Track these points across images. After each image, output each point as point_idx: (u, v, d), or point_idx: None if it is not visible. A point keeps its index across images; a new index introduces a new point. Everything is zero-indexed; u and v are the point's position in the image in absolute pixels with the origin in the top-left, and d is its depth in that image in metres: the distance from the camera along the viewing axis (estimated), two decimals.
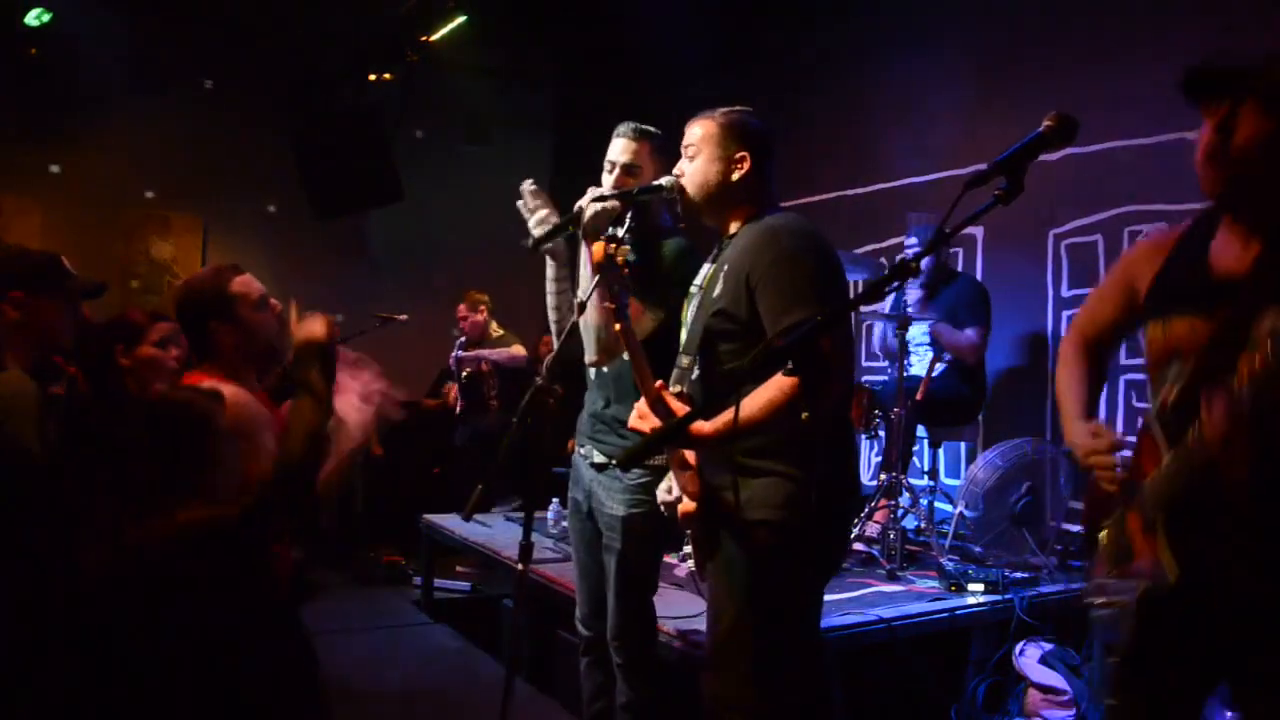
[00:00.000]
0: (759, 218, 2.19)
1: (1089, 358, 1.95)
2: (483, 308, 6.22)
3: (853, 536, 4.22)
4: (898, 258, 4.69)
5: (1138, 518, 1.71)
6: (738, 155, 2.21)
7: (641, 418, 2.05)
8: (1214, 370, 1.54)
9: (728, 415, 1.88)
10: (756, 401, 1.93)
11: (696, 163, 2.23)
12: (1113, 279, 1.94)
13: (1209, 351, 1.60)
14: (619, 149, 2.60)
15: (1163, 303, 1.75)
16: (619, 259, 2.11)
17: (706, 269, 2.32)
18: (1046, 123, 1.48)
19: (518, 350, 6.28)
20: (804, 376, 1.36)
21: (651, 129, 2.65)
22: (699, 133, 2.25)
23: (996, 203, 1.43)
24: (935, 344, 4.55)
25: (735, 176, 2.21)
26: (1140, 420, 1.85)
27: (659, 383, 2.03)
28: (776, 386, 1.94)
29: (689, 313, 2.34)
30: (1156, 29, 4.45)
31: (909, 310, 4.38)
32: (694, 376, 2.20)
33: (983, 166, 1.49)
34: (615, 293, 2.08)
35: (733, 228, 2.25)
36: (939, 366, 4.54)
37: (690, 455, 2.20)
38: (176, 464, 1.88)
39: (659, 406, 2.00)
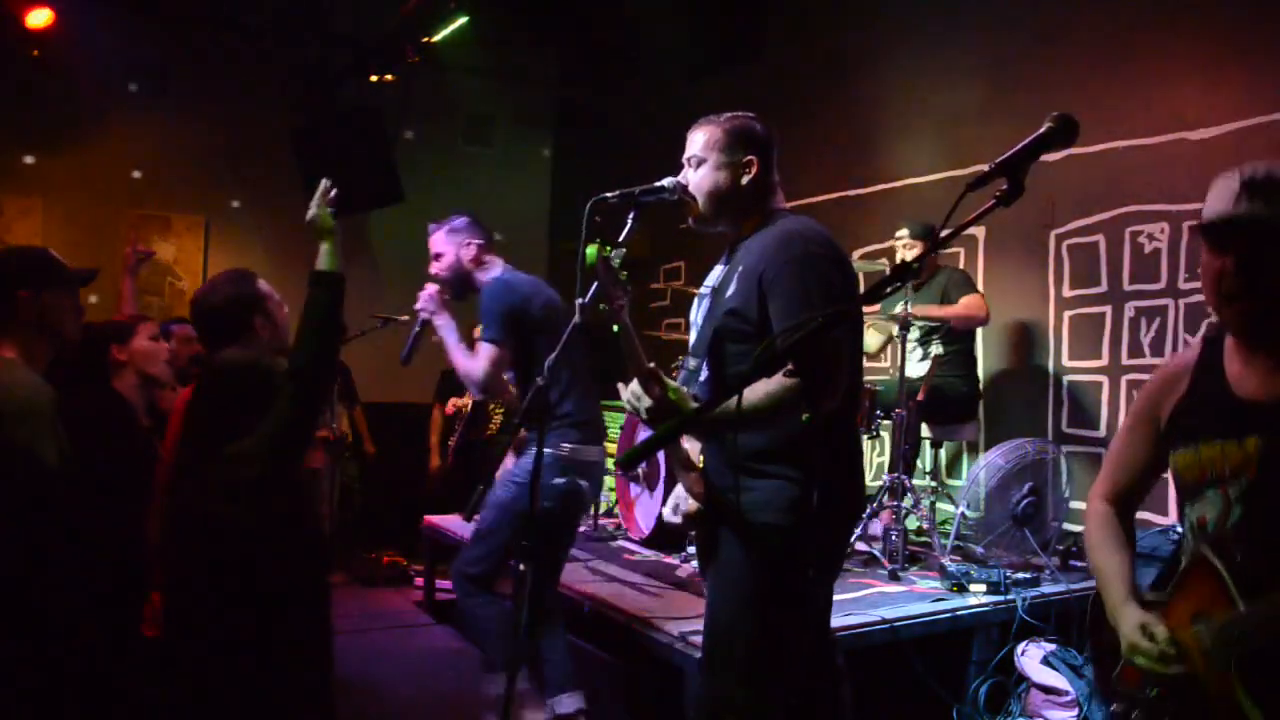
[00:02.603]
0: (770, 220, 2.22)
1: (1120, 526, 1.89)
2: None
3: (854, 538, 4.22)
4: (898, 257, 4.68)
5: (1201, 653, 1.60)
6: (745, 160, 2.24)
7: (636, 398, 2.06)
8: (1271, 497, 1.56)
9: (730, 402, 1.84)
10: (757, 390, 1.95)
11: (703, 170, 2.25)
12: (1132, 421, 1.88)
13: (1264, 478, 1.58)
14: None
15: (1192, 428, 1.72)
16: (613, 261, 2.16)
17: (718, 270, 2.34)
18: (1047, 124, 1.47)
19: None
20: (805, 378, 1.35)
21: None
22: (703, 139, 2.26)
23: (998, 204, 1.42)
24: (936, 331, 4.55)
25: (744, 181, 2.24)
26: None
27: (651, 365, 2.06)
28: (778, 379, 1.96)
29: (698, 314, 2.36)
30: (1157, 30, 4.45)
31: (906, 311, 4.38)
32: (702, 378, 2.22)
33: (982, 167, 1.48)
34: (612, 294, 2.13)
35: (744, 231, 2.26)
36: (931, 360, 4.56)
37: (695, 456, 2.22)
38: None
39: (650, 384, 2.01)
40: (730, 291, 2.16)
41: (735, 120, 2.28)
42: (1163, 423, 1.78)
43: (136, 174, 7.33)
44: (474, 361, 3.30)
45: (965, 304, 4.49)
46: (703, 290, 2.37)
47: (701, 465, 2.23)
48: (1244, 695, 1.51)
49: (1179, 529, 3.07)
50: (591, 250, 2.17)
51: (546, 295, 3.56)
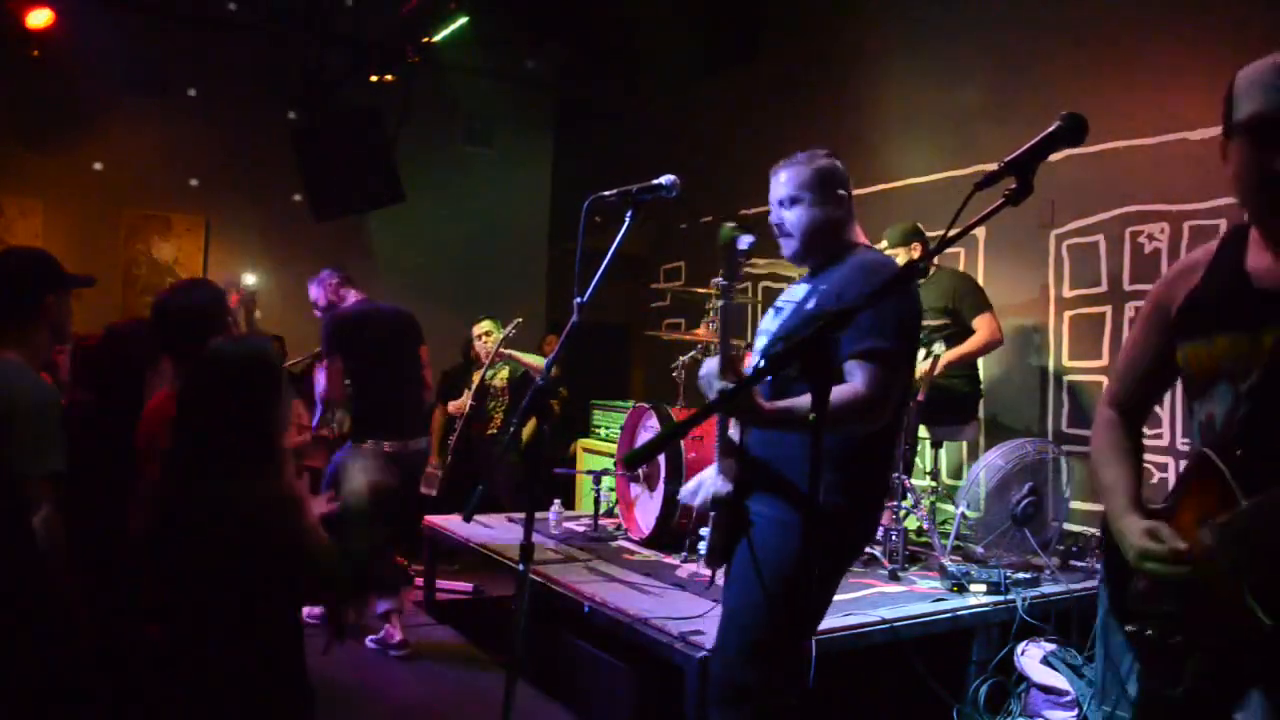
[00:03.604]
0: (852, 251, 2.41)
1: (1128, 436, 1.81)
2: (484, 336, 6.08)
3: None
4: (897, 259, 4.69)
5: (1207, 559, 1.55)
6: (836, 196, 2.41)
7: (711, 378, 2.19)
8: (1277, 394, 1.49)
9: (789, 400, 2.10)
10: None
11: (799, 209, 2.40)
12: (1143, 319, 1.79)
13: (1276, 373, 1.51)
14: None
15: (1203, 321, 1.63)
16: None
17: (801, 288, 2.45)
18: (1057, 122, 1.47)
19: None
20: (811, 381, 1.36)
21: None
22: (796, 179, 2.40)
23: (1006, 203, 1.42)
24: (938, 332, 4.55)
25: (836, 216, 2.42)
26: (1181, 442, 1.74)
27: (735, 352, 2.19)
28: (846, 388, 2.14)
29: (773, 323, 2.45)
30: (1157, 30, 4.45)
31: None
32: (767, 379, 2.29)
33: (983, 167, 1.48)
34: (733, 273, 2.30)
35: (829, 259, 2.42)
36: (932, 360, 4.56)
37: (733, 449, 2.31)
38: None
39: (730, 370, 2.15)
40: (810, 308, 2.32)
41: (821, 160, 2.43)
42: (1173, 315, 1.69)
43: (137, 174, 7.33)
44: None
45: (981, 330, 4.46)
46: (781, 303, 2.48)
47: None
48: (1249, 595, 1.46)
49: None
50: (726, 229, 2.28)
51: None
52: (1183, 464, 4.39)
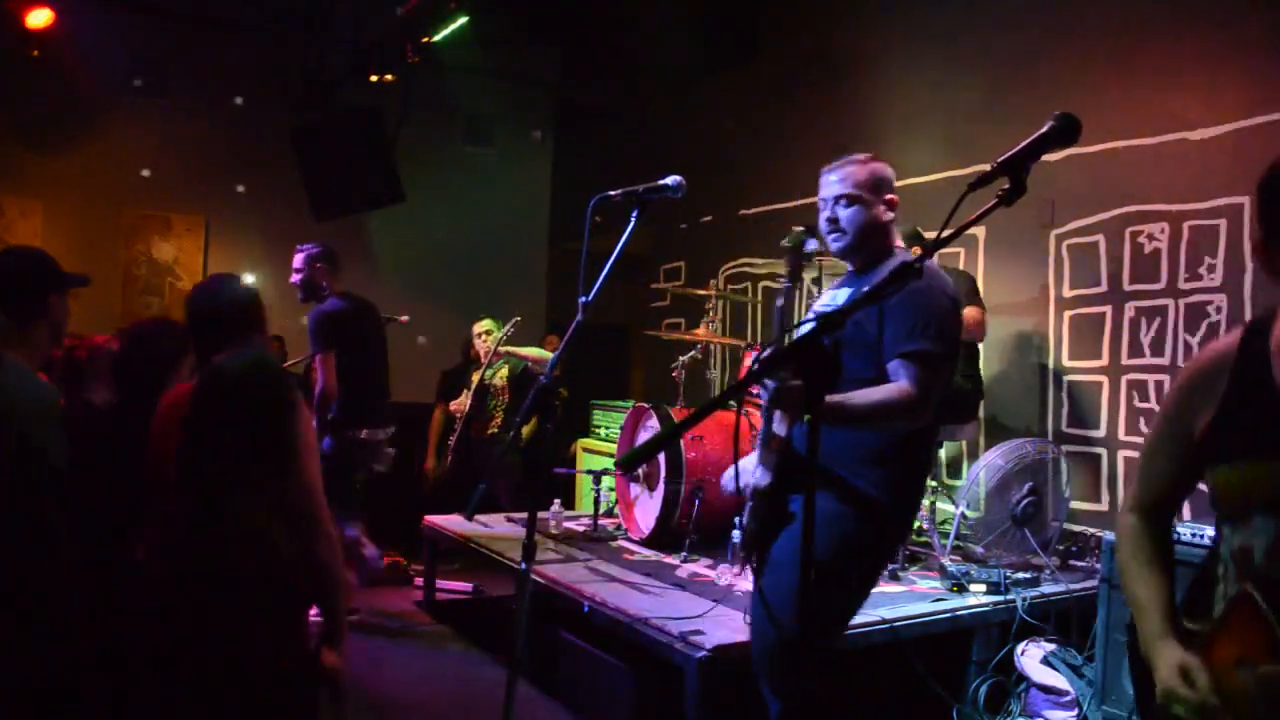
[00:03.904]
0: (893, 253, 2.50)
1: (1155, 542, 1.67)
2: (485, 335, 6.08)
3: None
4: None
5: (1241, 704, 1.45)
6: (888, 197, 2.50)
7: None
8: None
9: (841, 395, 2.19)
10: (871, 394, 2.23)
11: (856, 208, 2.46)
12: (1162, 424, 1.67)
13: None
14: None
15: (1234, 446, 1.50)
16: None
17: (841, 292, 2.52)
18: (1050, 122, 1.47)
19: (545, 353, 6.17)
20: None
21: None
22: (850, 179, 2.47)
23: (1000, 203, 1.42)
24: None
25: (888, 217, 2.50)
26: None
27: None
28: (894, 387, 2.23)
29: None
30: (1158, 31, 4.45)
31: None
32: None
33: (983, 167, 1.48)
34: (795, 275, 2.41)
35: (871, 260, 2.50)
36: None
37: (777, 442, 2.36)
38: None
39: (787, 368, 2.15)
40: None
41: (872, 162, 2.52)
42: (1196, 430, 1.56)
43: (137, 174, 7.33)
44: None
45: (965, 317, 4.48)
46: (823, 307, 2.53)
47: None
48: None
49: (1203, 535, 2.99)
50: (795, 233, 2.37)
51: None
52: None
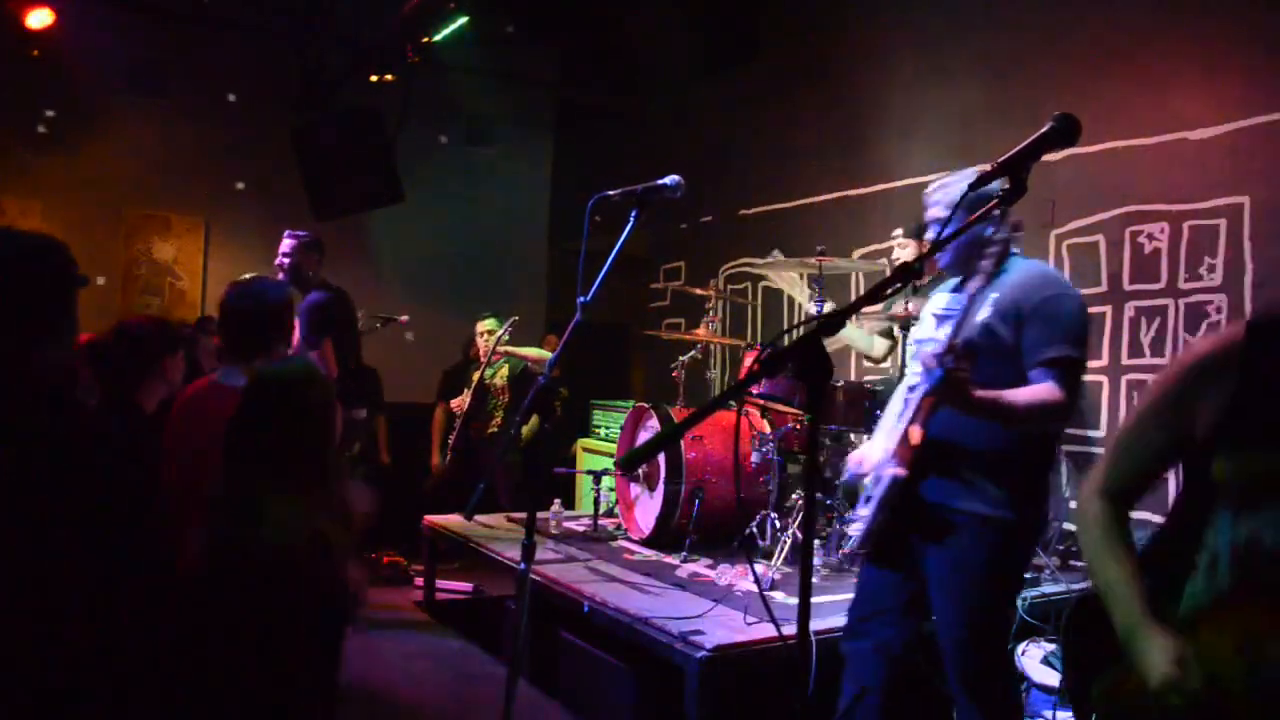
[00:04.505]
0: (1006, 256, 2.48)
1: (1125, 530, 1.67)
2: (487, 334, 6.09)
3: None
4: (893, 256, 4.68)
5: (1241, 688, 1.44)
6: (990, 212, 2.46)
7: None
8: None
9: (997, 391, 2.24)
10: (1023, 393, 2.29)
11: (953, 226, 2.44)
12: (1153, 410, 1.66)
13: None
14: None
15: (1254, 432, 1.49)
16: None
17: (951, 296, 2.53)
18: (1050, 123, 1.47)
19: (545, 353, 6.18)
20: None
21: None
22: (947, 200, 2.53)
23: (1000, 204, 1.42)
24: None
25: (991, 230, 2.49)
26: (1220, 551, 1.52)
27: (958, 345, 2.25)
28: (1045, 389, 2.29)
29: (938, 330, 2.49)
30: (1157, 30, 4.45)
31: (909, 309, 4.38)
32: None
33: (983, 167, 1.48)
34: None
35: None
36: None
37: (917, 434, 2.40)
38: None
39: (962, 359, 2.20)
40: (987, 315, 2.42)
41: (973, 177, 2.50)
42: (1198, 419, 1.56)
43: (137, 174, 7.33)
44: None
45: None
46: (945, 310, 2.52)
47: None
48: None
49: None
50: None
51: None
52: (1183, 466, 4.38)
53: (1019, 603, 3.54)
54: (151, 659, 2.09)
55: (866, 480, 2.60)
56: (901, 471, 2.40)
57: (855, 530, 2.54)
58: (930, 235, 2.59)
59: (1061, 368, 2.31)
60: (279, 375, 2.09)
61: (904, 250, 4.57)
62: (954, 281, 2.66)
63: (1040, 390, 2.30)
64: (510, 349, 5.83)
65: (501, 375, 6.15)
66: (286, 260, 4.82)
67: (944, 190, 2.58)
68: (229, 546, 1.91)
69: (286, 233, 4.89)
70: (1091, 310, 4.64)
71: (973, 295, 2.40)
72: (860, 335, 5.17)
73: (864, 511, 2.53)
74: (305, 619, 1.92)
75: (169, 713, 1.94)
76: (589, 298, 2.40)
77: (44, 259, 1.93)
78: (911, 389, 2.50)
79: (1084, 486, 1.75)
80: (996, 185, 2.52)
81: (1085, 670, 1.61)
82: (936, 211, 2.58)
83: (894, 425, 2.51)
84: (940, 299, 2.62)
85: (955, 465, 2.43)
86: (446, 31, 6.51)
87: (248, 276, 2.76)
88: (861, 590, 2.71)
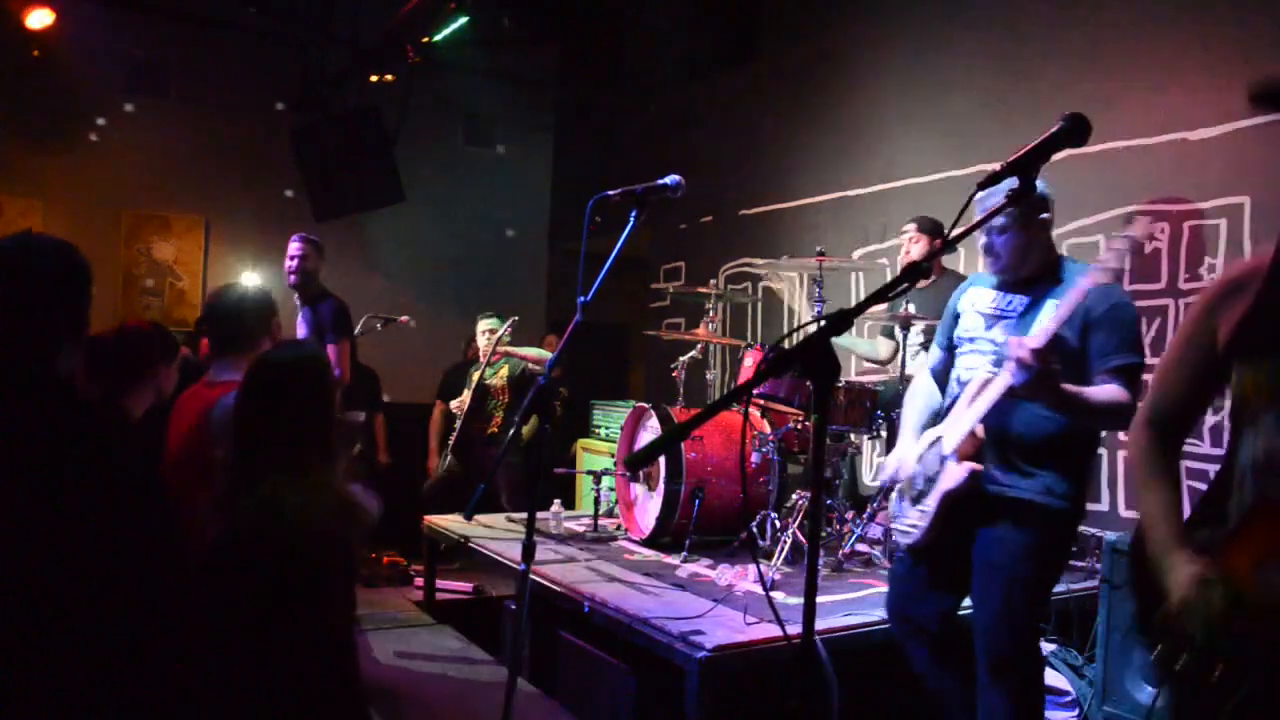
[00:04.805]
0: (1062, 263, 2.67)
1: (1170, 459, 1.69)
2: (489, 334, 6.08)
3: (854, 539, 4.23)
4: (903, 250, 4.67)
5: (1265, 606, 1.44)
6: (1041, 217, 2.63)
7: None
8: None
9: (1080, 387, 2.39)
10: (1098, 393, 2.42)
11: (1011, 234, 2.61)
12: (1184, 334, 1.68)
13: None
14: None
15: (1263, 342, 1.51)
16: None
17: (1012, 297, 2.67)
18: (1059, 123, 1.47)
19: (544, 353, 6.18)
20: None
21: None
22: (1000, 223, 2.58)
23: (1008, 204, 1.43)
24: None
25: (1043, 237, 2.66)
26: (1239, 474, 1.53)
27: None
28: (1116, 391, 2.43)
29: (997, 331, 2.65)
30: (1157, 30, 4.45)
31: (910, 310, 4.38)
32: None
33: (983, 167, 1.48)
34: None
35: (1041, 274, 2.66)
36: None
37: (980, 432, 2.55)
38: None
39: (1051, 355, 2.31)
40: (1049, 321, 2.50)
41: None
42: (1221, 335, 1.57)
43: (136, 174, 7.33)
44: None
45: None
46: (999, 310, 2.68)
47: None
48: None
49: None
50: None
51: None
52: (1183, 465, 4.38)
53: None
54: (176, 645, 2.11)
55: (901, 482, 2.75)
56: (977, 466, 2.53)
57: (906, 525, 2.69)
58: (982, 241, 2.64)
59: (1127, 374, 2.47)
60: (278, 356, 2.15)
61: (915, 244, 4.55)
62: (989, 277, 2.76)
63: (1113, 392, 2.44)
64: (510, 349, 5.82)
65: (501, 375, 6.15)
66: (302, 264, 4.81)
67: (996, 198, 2.62)
68: (250, 525, 1.92)
69: (295, 235, 4.90)
70: None
71: (1032, 300, 2.57)
72: (861, 341, 5.18)
73: (919, 510, 2.65)
74: (330, 588, 1.95)
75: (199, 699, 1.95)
76: (589, 298, 2.40)
77: (62, 262, 1.95)
78: (961, 383, 2.66)
79: (1135, 417, 1.78)
80: (1044, 192, 2.63)
81: (1148, 600, 1.61)
82: (999, 219, 2.62)
83: (945, 423, 2.65)
84: (982, 295, 2.74)
85: (1015, 456, 2.55)
86: (446, 31, 6.51)
87: (230, 283, 2.86)
88: (903, 579, 2.84)
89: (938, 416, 2.82)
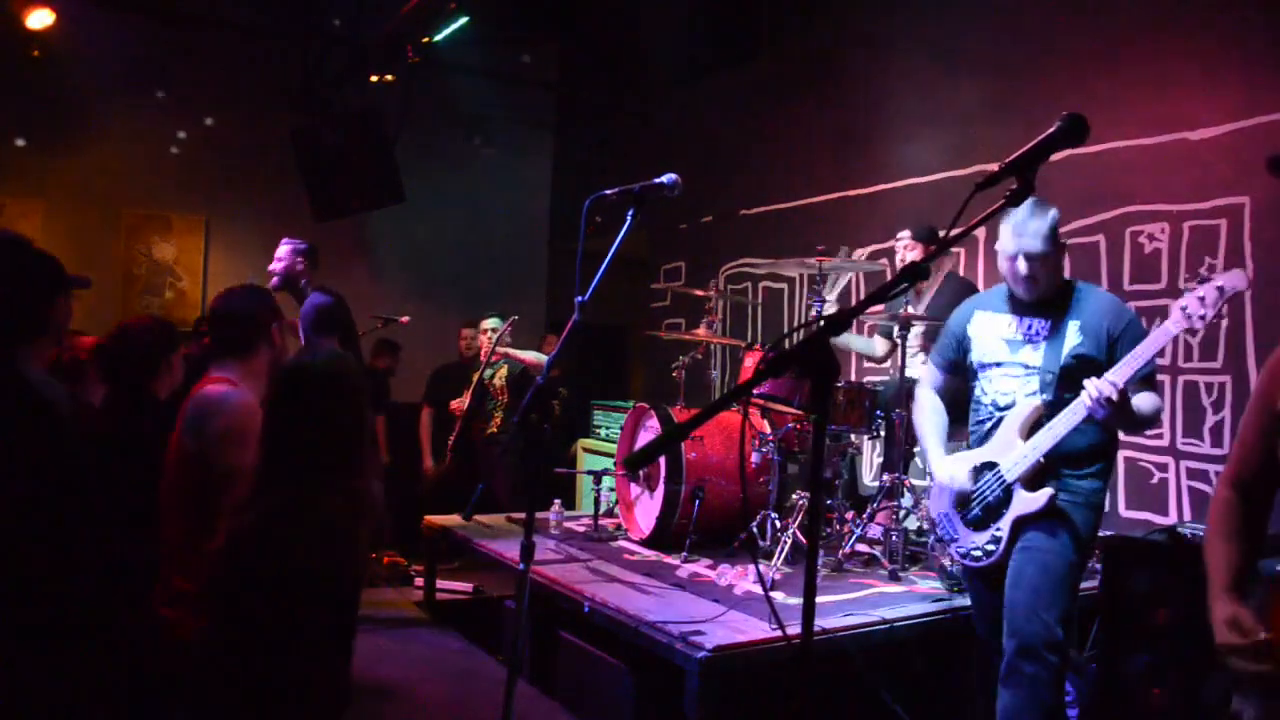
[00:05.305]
0: (1073, 282, 2.91)
1: (1240, 515, 1.86)
2: (491, 333, 6.09)
3: (854, 539, 4.23)
4: (898, 258, 4.68)
5: None
6: (1061, 243, 2.83)
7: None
8: None
9: (1133, 404, 2.61)
10: (1145, 403, 2.68)
11: (1052, 263, 2.81)
12: (1251, 404, 1.86)
13: None
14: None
15: None
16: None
17: (1022, 320, 2.86)
18: (1057, 123, 1.47)
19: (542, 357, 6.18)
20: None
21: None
22: (1048, 240, 2.76)
23: (1007, 204, 1.42)
24: (938, 332, 4.53)
25: (1062, 258, 2.87)
26: None
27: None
28: (1153, 399, 2.72)
29: (1031, 357, 2.81)
30: (1157, 30, 4.45)
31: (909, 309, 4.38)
32: (1049, 398, 2.76)
33: (983, 167, 1.48)
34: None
35: (1060, 294, 2.86)
36: None
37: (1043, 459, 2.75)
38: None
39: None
40: (1078, 340, 2.77)
41: (1052, 210, 2.81)
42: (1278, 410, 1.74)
43: (137, 174, 7.33)
44: None
45: None
46: (1026, 334, 2.85)
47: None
48: None
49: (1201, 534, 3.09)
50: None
51: None
52: (1184, 465, 4.39)
53: None
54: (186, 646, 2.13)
55: (955, 495, 2.92)
56: (1052, 492, 2.72)
57: (972, 549, 2.86)
58: (1024, 271, 2.78)
59: (1154, 383, 2.76)
60: (313, 364, 2.13)
61: (910, 252, 4.55)
62: (992, 301, 2.97)
63: (1154, 400, 2.74)
64: (508, 351, 5.82)
65: (500, 376, 6.15)
66: (281, 265, 4.82)
67: (1039, 228, 2.76)
68: (272, 526, 1.92)
69: (284, 240, 4.91)
70: None
71: (1053, 323, 2.78)
72: (857, 338, 5.18)
73: (988, 534, 2.82)
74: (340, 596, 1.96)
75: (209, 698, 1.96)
76: (587, 297, 2.40)
77: (22, 263, 2.06)
78: (998, 407, 2.86)
79: (1222, 473, 1.95)
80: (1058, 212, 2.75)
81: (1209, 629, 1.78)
82: (1033, 244, 2.75)
83: (993, 447, 2.84)
84: (995, 321, 2.92)
85: (1062, 467, 2.78)
86: (446, 31, 6.50)
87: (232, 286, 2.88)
88: (987, 606, 2.98)
89: (953, 430, 3.06)
